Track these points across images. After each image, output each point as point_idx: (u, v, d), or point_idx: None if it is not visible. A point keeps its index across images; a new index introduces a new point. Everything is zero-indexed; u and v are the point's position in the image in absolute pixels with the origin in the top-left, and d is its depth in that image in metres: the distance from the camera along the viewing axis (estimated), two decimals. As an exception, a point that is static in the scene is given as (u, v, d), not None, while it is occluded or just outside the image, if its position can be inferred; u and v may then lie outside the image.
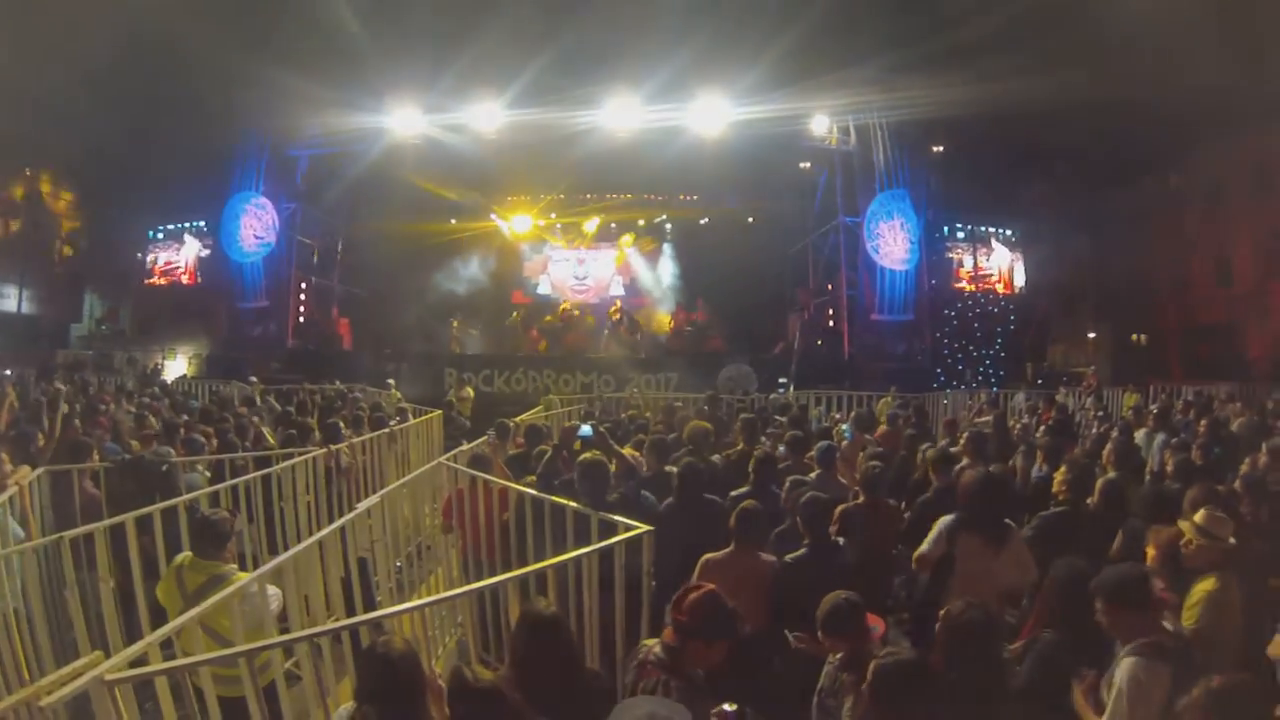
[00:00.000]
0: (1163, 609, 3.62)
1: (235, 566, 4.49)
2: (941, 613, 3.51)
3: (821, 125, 20.67)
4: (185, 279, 25.77)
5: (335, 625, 3.80)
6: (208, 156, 22.39)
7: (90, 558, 4.97)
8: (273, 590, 4.22)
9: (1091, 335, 26.04)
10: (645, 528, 4.38)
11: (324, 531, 4.92)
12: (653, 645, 3.42)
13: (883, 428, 9.80)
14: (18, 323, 24.46)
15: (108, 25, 20.53)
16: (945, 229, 23.97)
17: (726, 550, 4.69)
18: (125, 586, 5.08)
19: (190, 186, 24.64)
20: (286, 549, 6.23)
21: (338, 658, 4.09)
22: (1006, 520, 4.98)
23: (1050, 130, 23.37)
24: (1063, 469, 5.93)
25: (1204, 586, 4.02)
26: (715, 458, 7.23)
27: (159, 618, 4.61)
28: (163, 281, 26.15)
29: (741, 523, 4.70)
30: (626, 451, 6.76)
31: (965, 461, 6.78)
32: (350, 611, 5.07)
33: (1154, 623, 3.46)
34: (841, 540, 5.00)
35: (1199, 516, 4.25)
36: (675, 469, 6.29)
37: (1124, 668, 3.29)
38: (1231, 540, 4.14)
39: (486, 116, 19.77)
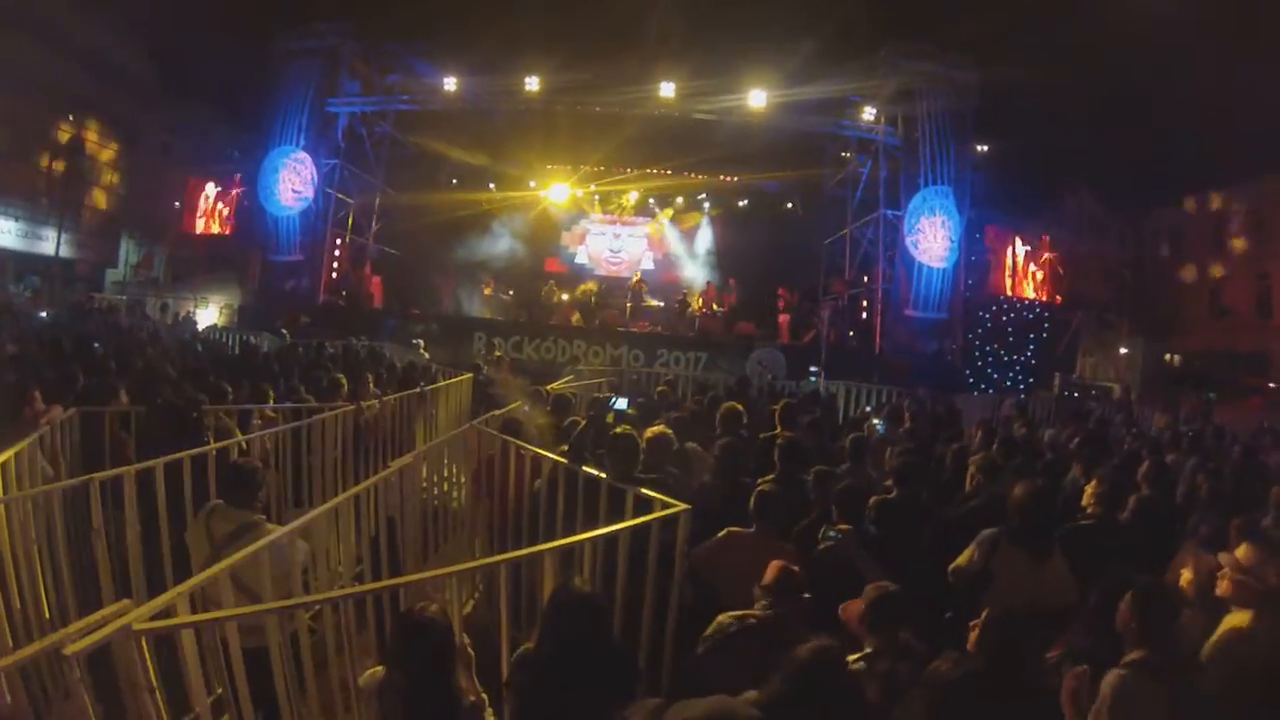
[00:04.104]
0: None
1: (264, 517, 4.45)
2: (982, 616, 3.38)
3: (869, 116, 20.44)
4: (221, 229, 25.92)
5: (365, 588, 3.76)
6: (249, 108, 22.48)
7: (117, 500, 4.94)
8: (300, 543, 4.18)
9: (1124, 351, 25.61)
10: (683, 505, 4.29)
11: (357, 488, 4.88)
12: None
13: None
14: (55, 266, 24.65)
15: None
16: (986, 231, 23.63)
17: (750, 530, 4.62)
18: (149, 531, 5.05)
19: (231, 137, 24.76)
20: (311, 502, 6.22)
21: (359, 612, 4.04)
22: (1049, 535, 4.76)
23: (1097, 143, 23.06)
24: (1094, 481, 5.74)
25: (1233, 622, 3.82)
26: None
27: (182, 562, 4.58)
28: (198, 230, 26.34)
29: (759, 505, 4.63)
30: (656, 428, 6.63)
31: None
32: (375, 569, 5.04)
33: (1162, 640, 3.34)
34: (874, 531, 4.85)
35: (1242, 552, 4.05)
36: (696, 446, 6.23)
37: (1110, 680, 3.17)
38: (1274, 580, 3.96)
39: (529, 84, 19.68)
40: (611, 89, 19.58)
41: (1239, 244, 24.67)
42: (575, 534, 4.34)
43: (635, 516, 4.39)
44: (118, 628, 2.75)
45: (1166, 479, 6.99)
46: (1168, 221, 26.73)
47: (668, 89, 19.24)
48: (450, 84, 20.18)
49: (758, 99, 19.20)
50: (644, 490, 4.66)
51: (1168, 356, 27.17)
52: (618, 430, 5.41)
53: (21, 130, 23.38)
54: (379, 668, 2.97)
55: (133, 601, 3.20)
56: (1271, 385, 22.17)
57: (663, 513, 4.27)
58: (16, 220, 24.11)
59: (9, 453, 5.14)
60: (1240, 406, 18.03)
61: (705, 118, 19.95)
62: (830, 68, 18.88)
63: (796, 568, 3.68)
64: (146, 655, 2.81)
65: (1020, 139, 22.48)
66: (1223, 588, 3.99)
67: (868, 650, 3.44)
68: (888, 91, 20.04)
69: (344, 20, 21.01)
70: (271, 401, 7.85)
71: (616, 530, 4.16)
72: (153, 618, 2.94)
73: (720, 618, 3.52)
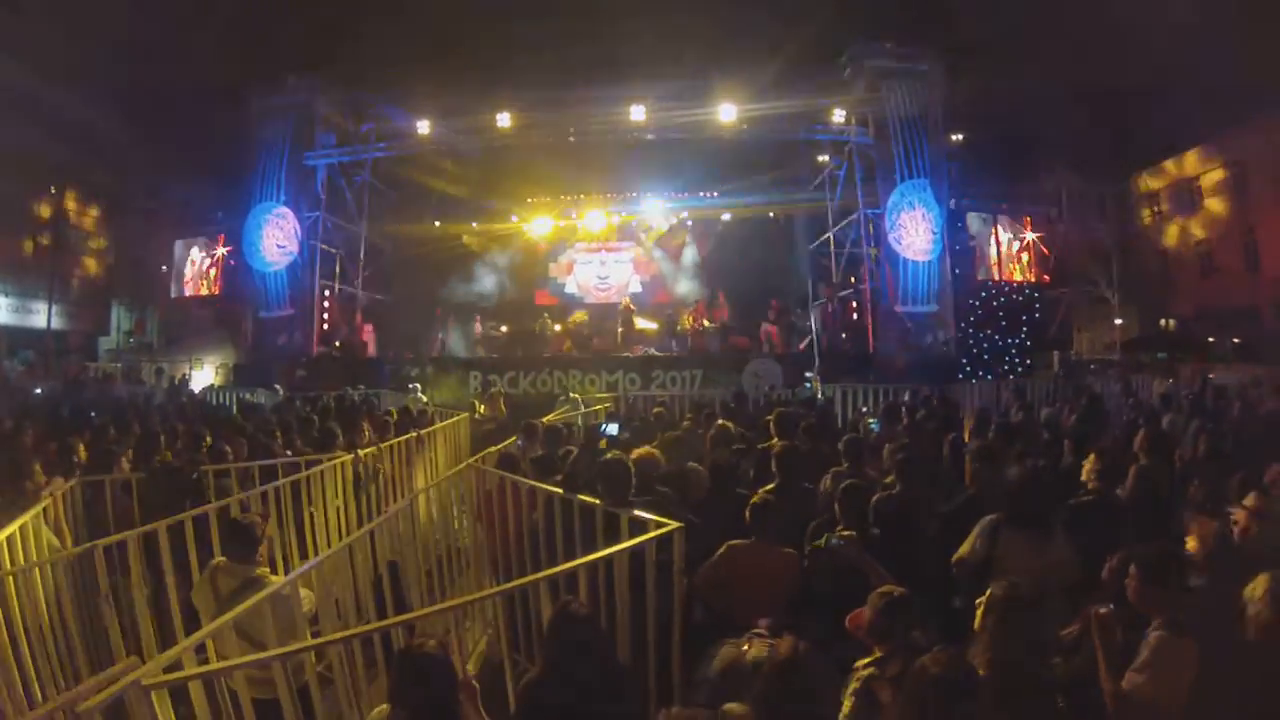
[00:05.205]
0: None
1: (268, 570, 4.51)
2: (987, 592, 3.37)
3: (839, 118, 20.58)
4: (210, 290, 26.05)
5: (367, 628, 3.80)
6: (229, 168, 22.59)
7: (124, 566, 5.01)
8: (304, 593, 4.23)
9: (1118, 321, 25.63)
10: (676, 525, 4.34)
11: (354, 535, 4.93)
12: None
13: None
14: (48, 338, 24.75)
15: (126, 40, 20.83)
16: (968, 217, 23.73)
17: (748, 541, 4.66)
18: (159, 593, 5.11)
19: (213, 198, 24.91)
20: (318, 554, 6.28)
21: (369, 660, 4.09)
22: (1049, 515, 4.76)
23: (1072, 114, 23.12)
24: (1091, 457, 5.79)
25: (1257, 585, 3.63)
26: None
27: (192, 623, 4.63)
28: (188, 292, 26.46)
29: (755, 517, 4.69)
30: (648, 449, 6.66)
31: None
32: (381, 614, 5.08)
33: (1180, 600, 3.43)
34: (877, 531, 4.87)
35: (1250, 500, 4.09)
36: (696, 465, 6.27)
37: (1153, 641, 3.26)
38: None
39: (500, 120, 19.85)
40: (582, 117, 19.77)
41: (1222, 200, 24.74)
42: (573, 561, 4.38)
43: (630, 539, 4.43)
44: (128, 684, 2.82)
45: (1164, 445, 7.03)
46: (1148, 187, 26.81)
47: (638, 111, 19.39)
48: (424, 127, 20.34)
49: (728, 113, 19.34)
50: (637, 512, 4.71)
51: (1162, 322, 27.17)
52: (607, 456, 5.46)
53: (3, 205, 23.50)
54: (385, 706, 3.02)
55: (139, 659, 3.26)
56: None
57: (657, 533, 4.31)
58: (6, 295, 24.25)
59: (13, 526, 5.21)
60: (1233, 365, 18.07)
61: (678, 136, 20.11)
62: (796, 75, 19.08)
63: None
64: (158, 710, 2.87)
65: (993, 123, 22.60)
66: (1243, 542, 4.05)
67: (879, 654, 3.43)
68: (856, 93, 20.23)
69: (315, 74, 21.22)
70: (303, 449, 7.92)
71: (612, 553, 4.21)
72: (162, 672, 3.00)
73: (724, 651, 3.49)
